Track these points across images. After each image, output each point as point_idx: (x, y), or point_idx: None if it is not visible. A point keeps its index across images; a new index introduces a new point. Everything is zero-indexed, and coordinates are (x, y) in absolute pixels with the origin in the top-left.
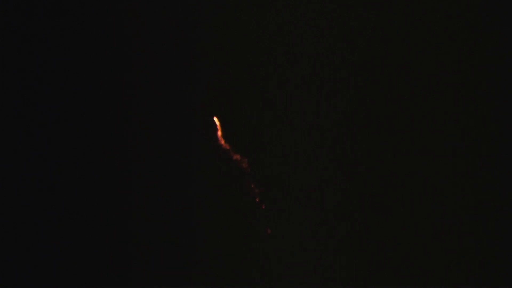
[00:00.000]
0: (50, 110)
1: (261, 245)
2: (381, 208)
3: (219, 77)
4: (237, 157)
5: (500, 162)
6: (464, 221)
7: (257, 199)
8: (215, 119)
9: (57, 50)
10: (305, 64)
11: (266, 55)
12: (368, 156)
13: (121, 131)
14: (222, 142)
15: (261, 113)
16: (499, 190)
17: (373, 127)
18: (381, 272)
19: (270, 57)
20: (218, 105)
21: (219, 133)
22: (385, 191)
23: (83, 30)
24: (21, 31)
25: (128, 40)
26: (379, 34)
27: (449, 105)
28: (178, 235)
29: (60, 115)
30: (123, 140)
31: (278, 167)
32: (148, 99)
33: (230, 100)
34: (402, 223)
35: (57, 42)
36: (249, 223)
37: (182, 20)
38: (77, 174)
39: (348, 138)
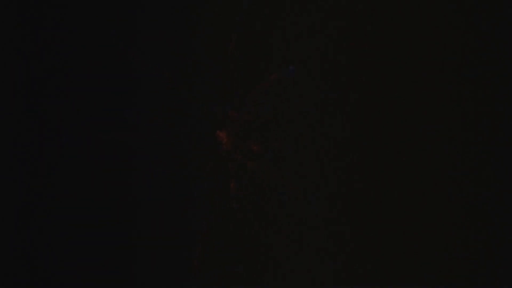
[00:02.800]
0: (49, 109)
1: (260, 245)
2: (381, 208)
3: (218, 77)
4: (237, 155)
5: (500, 162)
6: (464, 221)
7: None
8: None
9: (56, 49)
10: (304, 64)
11: (265, 55)
12: (368, 156)
13: (120, 130)
14: (224, 141)
15: (261, 112)
16: (499, 190)
17: (373, 126)
18: (381, 272)
19: (269, 57)
20: (219, 104)
21: (221, 133)
22: (385, 191)
23: (82, 30)
24: (20, 30)
25: (127, 40)
26: (379, 34)
27: (449, 104)
28: (177, 235)
29: (59, 114)
30: (122, 139)
31: (278, 166)
32: (148, 99)
33: (230, 100)
34: (402, 223)
35: (56, 41)
36: (249, 223)
37: (181, 20)
38: (76, 174)
39: (348, 138)
